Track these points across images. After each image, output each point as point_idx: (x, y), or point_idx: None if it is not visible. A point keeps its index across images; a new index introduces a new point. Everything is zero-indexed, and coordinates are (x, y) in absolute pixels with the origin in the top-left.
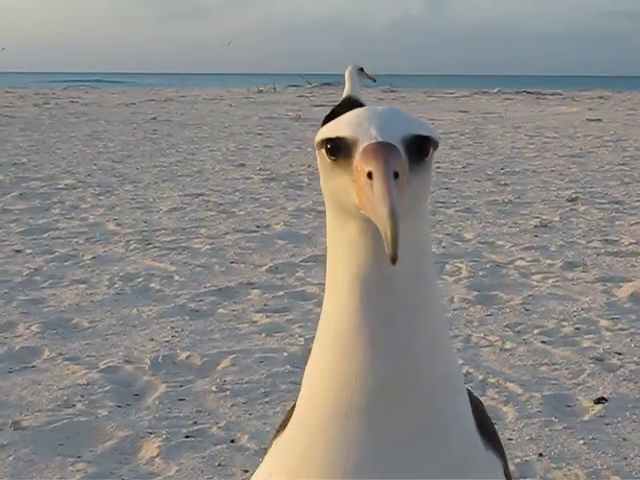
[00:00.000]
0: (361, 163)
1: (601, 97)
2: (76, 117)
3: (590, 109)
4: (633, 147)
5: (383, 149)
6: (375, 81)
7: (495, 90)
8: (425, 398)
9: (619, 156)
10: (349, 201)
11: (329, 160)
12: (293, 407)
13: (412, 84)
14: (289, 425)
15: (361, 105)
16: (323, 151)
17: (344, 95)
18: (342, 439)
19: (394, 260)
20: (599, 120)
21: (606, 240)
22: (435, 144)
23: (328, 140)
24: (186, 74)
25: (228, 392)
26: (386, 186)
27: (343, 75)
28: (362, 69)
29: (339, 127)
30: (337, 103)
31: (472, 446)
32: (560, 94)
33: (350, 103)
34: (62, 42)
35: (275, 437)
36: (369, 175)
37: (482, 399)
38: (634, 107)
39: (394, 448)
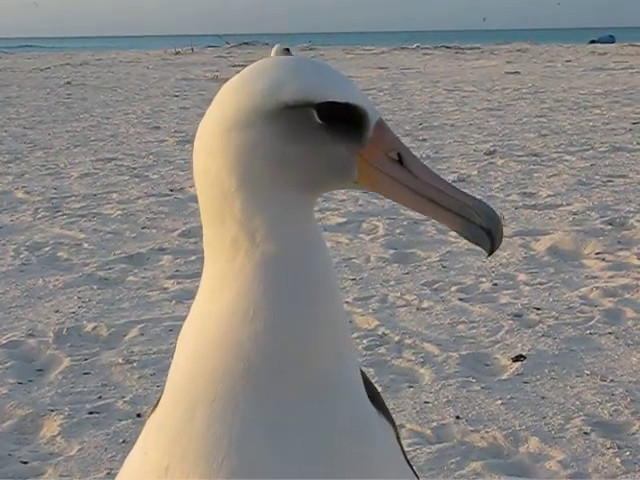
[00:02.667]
0: (385, 142)
1: (519, 50)
2: None
3: (509, 62)
4: (551, 99)
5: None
6: None
7: (414, 46)
8: (320, 363)
9: (537, 108)
10: (341, 173)
11: (318, 123)
12: None
13: (331, 41)
14: (163, 396)
15: None
16: (313, 112)
17: None
18: (227, 404)
19: (493, 252)
20: (517, 73)
21: (524, 193)
22: None
23: (326, 103)
24: (104, 37)
25: (135, 364)
26: (448, 182)
27: (262, 34)
28: (288, 49)
29: (343, 92)
30: None
31: (365, 412)
32: (479, 48)
33: None
34: None
35: (149, 415)
36: (398, 155)
37: (398, 361)
38: (552, 59)
39: (286, 413)
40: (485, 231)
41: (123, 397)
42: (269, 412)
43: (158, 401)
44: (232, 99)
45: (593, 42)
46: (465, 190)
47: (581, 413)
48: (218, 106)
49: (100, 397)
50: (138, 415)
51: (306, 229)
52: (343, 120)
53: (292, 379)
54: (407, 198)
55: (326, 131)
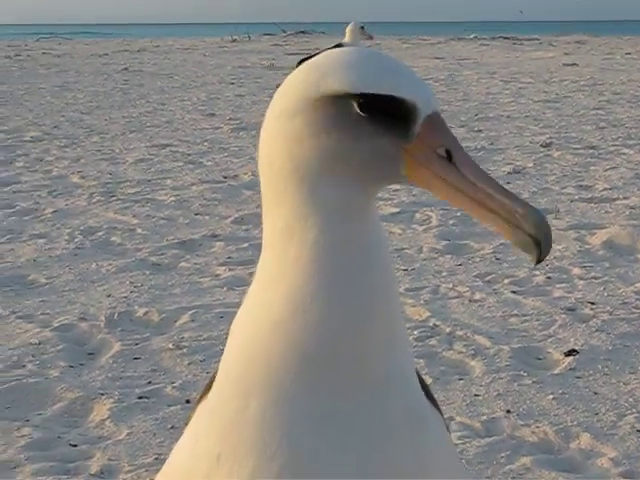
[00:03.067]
0: (433, 138)
1: (578, 42)
2: (47, 68)
3: (567, 54)
4: (609, 91)
5: (446, 123)
6: (372, 38)
7: (471, 36)
8: (375, 354)
9: (595, 100)
10: (386, 168)
11: (359, 115)
12: (216, 372)
13: (387, 31)
14: (216, 383)
15: None
16: (354, 103)
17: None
18: (281, 394)
19: (540, 262)
20: (575, 64)
21: (580, 186)
22: None
23: (368, 95)
24: (163, 24)
25: (185, 350)
26: (498, 183)
27: (319, 22)
28: (362, 27)
29: (387, 83)
30: (319, 50)
31: (419, 404)
32: (537, 39)
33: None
34: None
35: (199, 402)
36: (447, 152)
37: (449, 353)
38: (610, 51)
39: (340, 403)
40: (533, 239)
41: (172, 383)
42: (323, 402)
43: (207, 387)
44: (288, 87)
45: None
46: (520, 182)
47: (634, 410)
48: (277, 93)
49: (150, 382)
50: (187, 401)
51: (360, 219)
52: (388, 113)
53: (346, 369)
54: (454, 198)
55: (370, 124)
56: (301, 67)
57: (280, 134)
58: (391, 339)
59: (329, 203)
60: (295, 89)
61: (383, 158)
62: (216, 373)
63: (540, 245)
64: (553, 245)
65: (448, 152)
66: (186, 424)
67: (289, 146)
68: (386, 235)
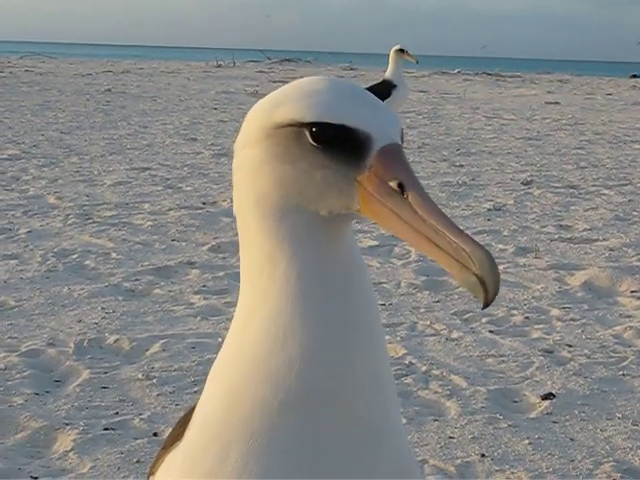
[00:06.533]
0: (386, 170)
1: (560, 80)
2: (29, 86)
3: (549, 92)
4: (590, 131)
5: (404, 155)
6: (417, 62)
7: (455, 71)
8: (363, 400)
9: (576, 140)
10: (339, 199)
11: (312, 145)
12: (186, 417)
13: (373, 63)
14: (192, 429)
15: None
16: (306, 132)
17: (385, 76)
18: (264, 443)
19: (488, 305)
20: (557, 103)
21: (560, 225)
22: None
23: (320, 124)
24: (148, 46)
25: (155, 380)
26: (449, 220)
27: (304, 51)
28: (402, 50)
29: (339, 113)
30: (373, 83)
31: (410, 458)
32: (520, 76)
33: (386, 85)
34: (28, 10)
35: (164, 453)
36: (399, 185)
37: (424, 392)
38: (592, 91)
39: (325, 453)
40: (479, 280)
41: (140, 414)
42: (309, 453)
43: (178, 430)
44: (250, 117)
45: (634, 76)
46: (500, 219)
47: (611, 458)
48: (243, 124)
49: (117, 413)
50: (155, 434)
51: (331, 249)
52: (342, 143)
53: (332, 413)
54: (403, 233)
55: (323, 154)
56: (265, 97)
57: (244, 164)
58: (376, 380)
59: (293, 236)
60: (254, 119)
61: (335, 189)
62: (183, 420)
63: (485, 286)
64: (532, 285)
65: (401, 185)
66: (151, 473)
67: (251, 177)
68: (365, 267)
